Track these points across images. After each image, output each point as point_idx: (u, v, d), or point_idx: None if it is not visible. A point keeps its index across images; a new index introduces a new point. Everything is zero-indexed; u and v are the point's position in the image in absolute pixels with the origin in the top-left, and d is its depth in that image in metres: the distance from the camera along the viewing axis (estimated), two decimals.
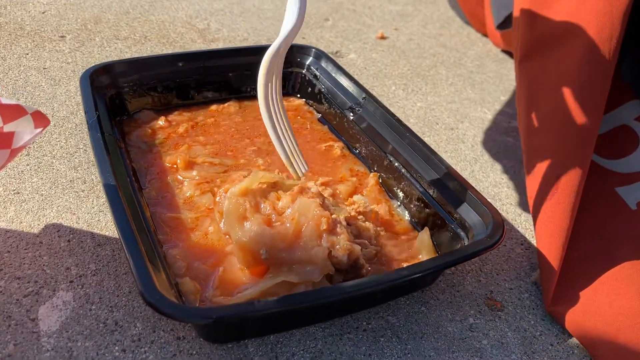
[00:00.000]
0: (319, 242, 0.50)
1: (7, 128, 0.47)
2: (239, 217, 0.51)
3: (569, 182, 0.58)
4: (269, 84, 0.53)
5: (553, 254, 0.57)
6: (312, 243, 0.50)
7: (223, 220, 0.53)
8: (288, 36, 0.53)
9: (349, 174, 0.67)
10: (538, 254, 0.58)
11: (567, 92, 0.61)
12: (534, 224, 0.59)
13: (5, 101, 0.47)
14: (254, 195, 0.52)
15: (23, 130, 0.48)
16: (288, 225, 0.50)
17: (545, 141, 0.61)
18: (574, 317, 0.54)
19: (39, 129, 0.48)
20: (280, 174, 0.58)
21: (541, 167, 0.60)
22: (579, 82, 0.61)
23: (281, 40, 0.53)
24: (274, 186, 0.54)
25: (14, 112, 0.47)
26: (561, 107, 0.61)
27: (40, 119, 0.49)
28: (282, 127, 0.55)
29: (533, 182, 0.61)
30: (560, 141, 0.59)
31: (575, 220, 0.58)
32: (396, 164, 0.65)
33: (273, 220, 0.51)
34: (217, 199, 0.57)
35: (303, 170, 0.57)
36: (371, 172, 0.68)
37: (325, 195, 0.60)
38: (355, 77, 0.96)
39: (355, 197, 0.60)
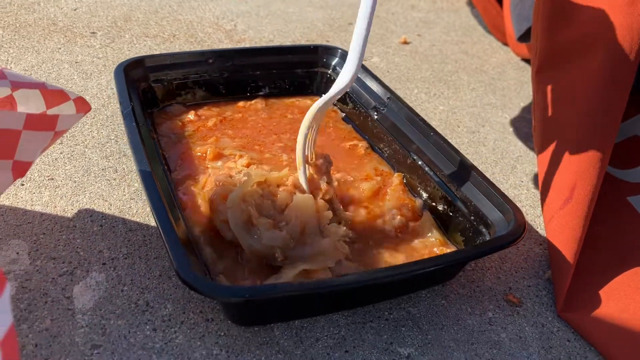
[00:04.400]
0: (324, 234, 0.53)
1: (51, 112, 0.50)
2: (245, 222, 0.53)
3: (584, 192, 0.59)
4: (310, 131, 0.55)
5: (565, 262, 0.58)
6: (317, 237, 0.52)
7: (230, 227, 0.54)
8: (337, 93, 0.55)
9: (373, 173, 0.68)
10: (550, 261, 0.59)
11: (584, 104, 0.62)
12: (546, 231, 0.61)
13: (50, 87, 0.49)
14: (252, 198, 0.54)
15: (66, 114, 0.50)
16: (294, 222, 0.52)
17: (560, 151, 0.62)
18: (585, 322, 0.55)
19: (81, 114, 0.51)
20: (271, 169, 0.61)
21: (555, 176, 0.62)
22: (596, 94, 0.62)
23: (330, 95, 0.55)
24: (265, 182, 0.56)
25: (58, 97, 0.50)
26: (578, 119, 0.62)
27: (82, 104, 0.51)
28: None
29: (547, 190, 0.62)
30: (576, 151, 0.61)
31: (587, 228, 0.60)
32: (420, 163, 0.66)
33: (277, 220, 0.53)
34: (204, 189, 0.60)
35: None
36: (395, 171, 0.69)
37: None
38: None
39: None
